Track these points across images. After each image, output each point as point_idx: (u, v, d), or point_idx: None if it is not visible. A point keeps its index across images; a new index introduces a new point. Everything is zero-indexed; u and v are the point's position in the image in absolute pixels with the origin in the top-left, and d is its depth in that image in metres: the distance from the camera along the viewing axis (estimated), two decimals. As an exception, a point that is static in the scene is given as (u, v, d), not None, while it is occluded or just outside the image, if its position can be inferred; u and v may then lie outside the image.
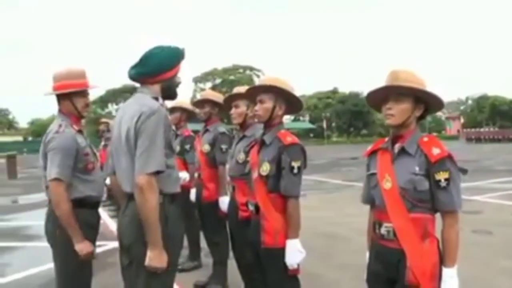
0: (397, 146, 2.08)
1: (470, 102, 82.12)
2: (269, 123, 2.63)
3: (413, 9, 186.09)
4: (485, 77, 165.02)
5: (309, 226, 5.36)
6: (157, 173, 2.05)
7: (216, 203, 3.86)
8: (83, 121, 2.93)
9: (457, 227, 2.01)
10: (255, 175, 2.64)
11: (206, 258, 4.66)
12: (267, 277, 2.60)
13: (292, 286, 2.56)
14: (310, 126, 67.11)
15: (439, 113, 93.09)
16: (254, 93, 2.69)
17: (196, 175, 4.15)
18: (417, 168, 1.98)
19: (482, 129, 57.31)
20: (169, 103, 4.72)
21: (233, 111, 3.38)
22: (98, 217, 2.83)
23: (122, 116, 2.21)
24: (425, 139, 2.03)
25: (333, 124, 65.90)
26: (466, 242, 5.48)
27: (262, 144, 2.67)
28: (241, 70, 67.54)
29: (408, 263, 1.97)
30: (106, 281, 4.30)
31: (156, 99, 2.20)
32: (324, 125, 59.04)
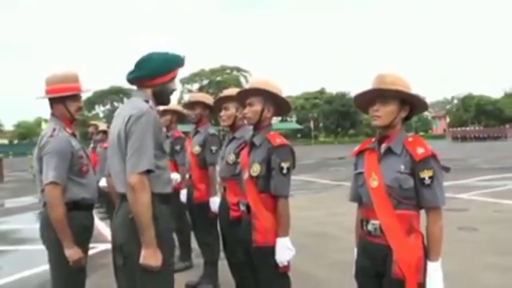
0: (383, 146, 2.17)
1: (455, 101, 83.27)
2: (258, 125, 2.70)
3: (400, 9, 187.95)
4: (470, 77, 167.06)
5: (299, 226, 5.45)
6: (148, 172, 2.08)
7: (206, 204, 3.91)
8: None
9: (441, 222, 2.10)
10: (245, 175, 2.70)
11: (197, 258, 4.70)
12: (259, 275, 2.66)
13: (282, 284, 2.62)
14: (298, 126, 67.41)
15: (425, 113, 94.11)
16: (244, 96, 2.76)
17: (187, 176, 4.19)
18: (402, 167, 2.07)
19: (467, 128, 58.23)
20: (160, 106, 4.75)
21: (223, 113, 3.44)
22: (92, 220, 2.85)
23: (116, 119, 2.27)
24: (410, 139, 2.13)
25: (321, 125, 66.24)
26: (452, 238, 5.64)
27: (252, 145, 2.73)
28: (228, 71, 67.60)
29: (394, 257, 2.06)
30: (98, 282, 4.33)
31: (147, 101, 2.24)
32: (312, 125, 59.42)
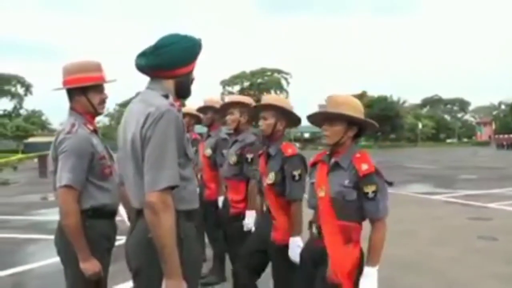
0: (332, 160, 2.38)
1: (503, 107, 79.95)
2: (272, 136, 3.01)
3: (444, 13, 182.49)
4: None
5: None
6: (171, 188, 1.71)
7: (216, 202, 4.17)
8: None
9: (383, 232, 2.28)
10: (265, 183, 2.98)
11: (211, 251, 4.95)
12: (275, 270, 2.97)
13: (293, 277, 2.82)
14: (338, 130, 66.60)
15: (470, 118, 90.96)
16: (258, 110, 3.10)
17: (198, 176, 4.47)
18: (347, 181, 2.28)
19: (515, 136, 55.62)
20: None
21: (228, 117, 3.69)
22: (114, 229, 2.54)
23: (127, 118, 1.88)
24: (358, 155, 2.33)
25: (361, 128, 65.35)
26: (468, 247, 5.80)
27: (268, 156, 3.01)
28: (269, 73, 67.88)
29: (330, 263, 2.27)
30: None
31: (166, 96, 1.83)
32: (352, 129, 58.66)
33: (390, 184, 2.36)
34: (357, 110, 2.34)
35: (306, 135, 61.00)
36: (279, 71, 67.80)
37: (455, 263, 5.15)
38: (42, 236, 6.75)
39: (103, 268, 2.37)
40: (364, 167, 2.25)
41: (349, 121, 2.33)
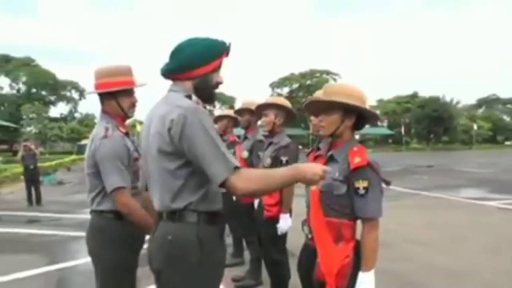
0: (329, 153, 2.25)
1: None
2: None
3: (496, 13, 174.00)
4: None
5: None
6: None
7: (252, 205, 4.14)
8: None
9: (375, 234, 2.10)
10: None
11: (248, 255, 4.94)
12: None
13: None
14: (389, 132, 65.34)
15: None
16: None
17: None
18: (337, 174, 2.12)
19: None
20: (216, 113, 5.05)
21: (262, 119, 3.66)
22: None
23: (151, 122, 1.87)
24: (355, 148, 2.17)
25: (412, 130, 63.43)
26: None
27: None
28: (318, 75, 67.32)
29: (318, 260, 2.15)
30: None
31: (189, 97, 1.86)
32: (403, 131, 57.18)
33: (388, 183, 2.19)
34: (354, 98, 2.16)
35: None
36: (328, 72, 66.94)
37: (509, 276, 4.77)
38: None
39: (131, 269, 2.39)
40: (357, 160, 2.09)
41: (345, 109, 2.17)
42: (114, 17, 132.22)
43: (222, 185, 1.70)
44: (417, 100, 65.62)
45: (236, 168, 1.70)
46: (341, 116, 2.18)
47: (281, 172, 1.76)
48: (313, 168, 1.75)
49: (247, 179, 1.70)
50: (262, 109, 3.65)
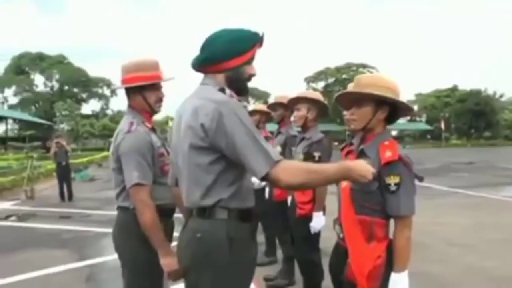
0: (360, 148, 2.14)
1: None
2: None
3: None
4: None
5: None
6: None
7: (285, 202, 4.03)
8: None
9: (407, 233, 2.01)
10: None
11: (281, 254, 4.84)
12: None
13: None
14: (427, 127, 63.71)
15: None
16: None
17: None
18: None
19: None
20: (250, 108, 4.99)
21: (295, 114, 3.53)
22: (172, 227, 2.52)
23: (181, 116, 1.83)
24: (386, 142, 2.05)
25: (452, 125, 61.54)
26: None
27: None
28: (354, 68, 66.24)
29: (349, 260, 2.05)
30: None
31: (223, 90, 1.79)
32: (442, 126, 55.52)
33: (421, 179, 2.06)
34: (387, 89, 2.05)
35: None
36: (365, 66, 65.67)
37: None
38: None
39: (156, 265, 2.30)
40: (388, 154, 1.98)
41: (377, 102, 2.05)
42: (143, 13, 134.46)
43: (264, 178, 1.65)
44: (457, 93, 63.62)
45: (277, 161, 1.65)
46: (373, 108, 2.08)
47: (328, 169, 1.70)
48: (362, 169, 1.69)
49: (290, 172, 1.65)
50: (294, 103, 3.52)
